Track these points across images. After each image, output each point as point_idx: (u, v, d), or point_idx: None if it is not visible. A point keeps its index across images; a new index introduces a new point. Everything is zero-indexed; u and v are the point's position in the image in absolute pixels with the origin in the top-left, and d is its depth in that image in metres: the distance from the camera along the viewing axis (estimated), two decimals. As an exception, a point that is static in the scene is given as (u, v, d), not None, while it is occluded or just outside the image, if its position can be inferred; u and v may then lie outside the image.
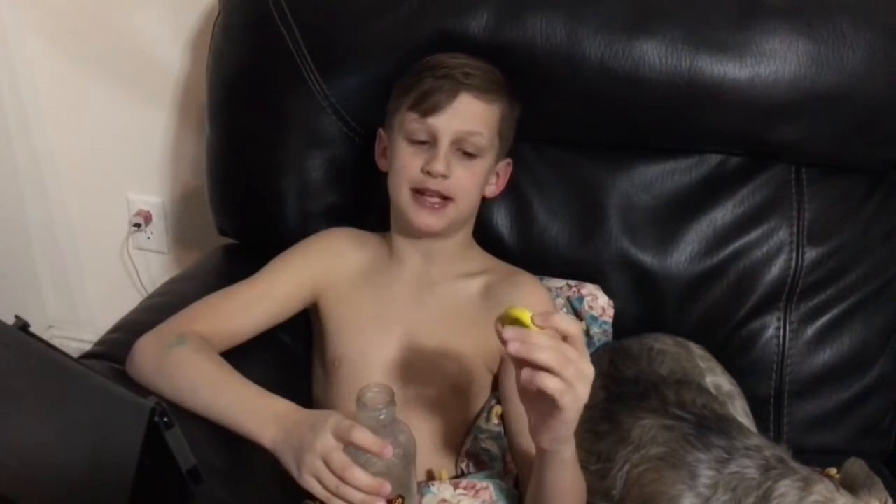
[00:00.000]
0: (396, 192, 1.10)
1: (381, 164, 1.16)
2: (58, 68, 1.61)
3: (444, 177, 1.05)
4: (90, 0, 1.54)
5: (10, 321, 0.82)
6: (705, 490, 0.88)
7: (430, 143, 1.06)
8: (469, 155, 1.07)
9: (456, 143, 1.06)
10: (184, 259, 1.72)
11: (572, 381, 0.78)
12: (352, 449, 0.87)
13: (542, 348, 0.77)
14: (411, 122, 1.07)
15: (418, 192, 1.07)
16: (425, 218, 1.08)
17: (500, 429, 1.10)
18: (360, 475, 0.85)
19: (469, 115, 1.06)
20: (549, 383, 0.77)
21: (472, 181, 1.09)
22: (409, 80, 1.09)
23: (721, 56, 1.14)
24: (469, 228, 1.17)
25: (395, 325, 1.11)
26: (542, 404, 0.81)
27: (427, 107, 1.05)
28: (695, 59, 1.14)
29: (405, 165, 1.07)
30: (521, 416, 1.02)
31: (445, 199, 1.07)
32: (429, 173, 1.05)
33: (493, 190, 1.16)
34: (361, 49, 1.19)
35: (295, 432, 0.90)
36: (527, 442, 0.98)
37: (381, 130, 1.15)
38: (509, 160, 1.16)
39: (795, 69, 1.13)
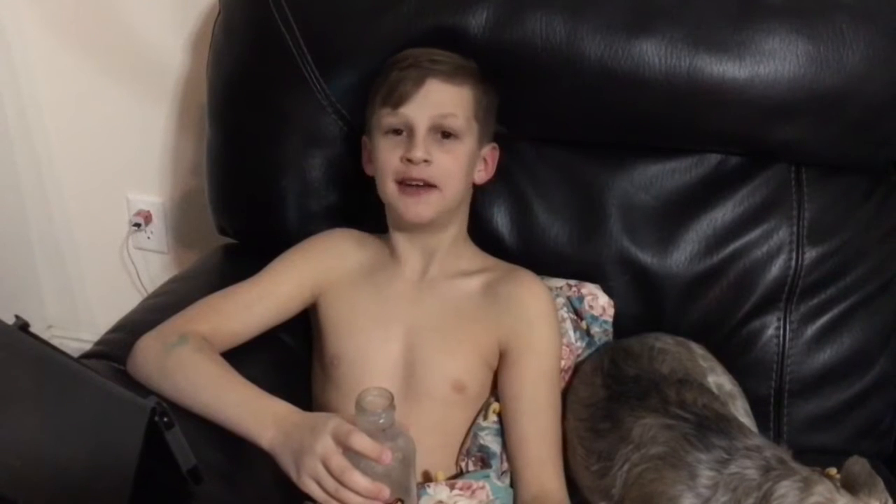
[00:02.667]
0: (383, 188, 1.10)
1: (368, 169, 1.15)
2: (58, 68, 1.61)
3: (426, 162, 1.05)
4: (90, 0, 1.54)
5: (10, 321, 0.82)
6: (705, 490, 0.88)
7: (408, 133, 1.07)
8: (447, 136, 1.07)
9: (432, 128, 1.06)
10: (184, 259, 1.72)
11: None
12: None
13: None
14: (386, 116, 1.07)
15: (403, 183, 1.07)
16: (414, 207, 1.08)
17: (499, 425, 1.10)
18: (358, 479, 0.85)
19: (440, 99, 1.07)
20: None
21: (456, 165, 1.08)
22: (379, 78, 1.11)
23: (721, 56, 1.14)
24: (463, 223, 1.17)
25: (395, 323, 1.11)
26: None
27: (397, 98, 1.06)
28: (695, 59, 1.14)
29: (386, 159, 1.08)
30: (518, 413, 1.03)
31: (430, 186, 1.07)
32: (409, 161, 1.05)
33: (482, 176, 1.15)
34: (362, 48, 1.19)
35: (294, 434, 0.90)
36: (522, 438, 0.99)
37: (364, 138, 1.16)
38: (494, 145, 1.16)
39: (795, 69, 1.13)
